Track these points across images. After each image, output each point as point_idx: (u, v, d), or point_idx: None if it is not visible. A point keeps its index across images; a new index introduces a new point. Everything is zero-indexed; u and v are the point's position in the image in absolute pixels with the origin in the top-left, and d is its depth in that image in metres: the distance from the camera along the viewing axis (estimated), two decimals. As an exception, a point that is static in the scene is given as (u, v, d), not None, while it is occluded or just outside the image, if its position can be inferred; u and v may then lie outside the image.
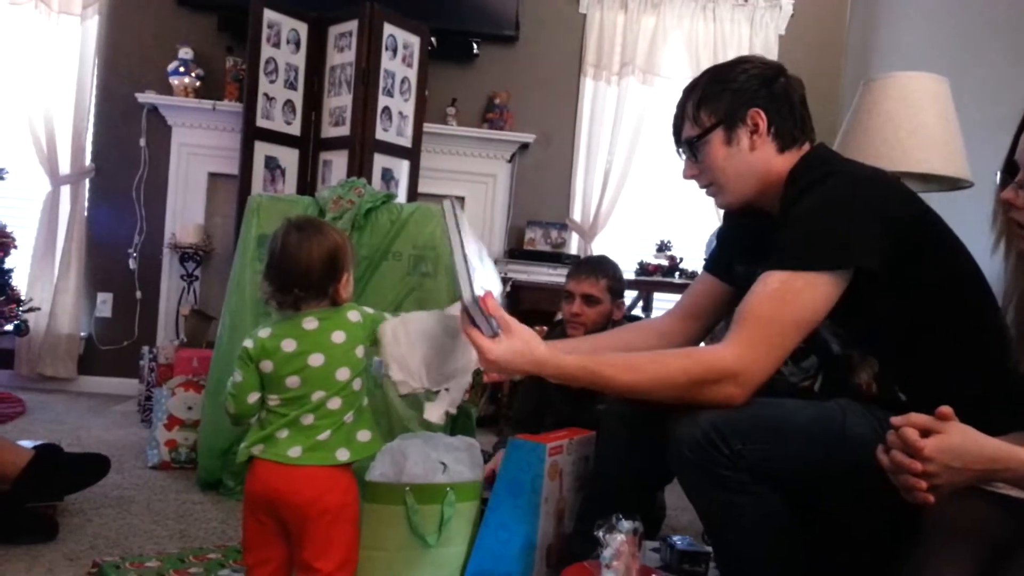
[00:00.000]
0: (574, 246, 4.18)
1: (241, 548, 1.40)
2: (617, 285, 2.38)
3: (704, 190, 1.51)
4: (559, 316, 3.33)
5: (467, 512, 1.69)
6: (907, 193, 1.38)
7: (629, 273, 3.59)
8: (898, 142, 2.20)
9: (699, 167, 1.48)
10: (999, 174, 1.18)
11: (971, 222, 1.39)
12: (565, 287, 2.40)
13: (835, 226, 1.29)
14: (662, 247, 4.09)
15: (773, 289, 1.29)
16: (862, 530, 1.32)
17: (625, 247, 4.18)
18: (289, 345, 1.31)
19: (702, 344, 1.73)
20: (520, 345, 1.25)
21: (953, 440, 1.00)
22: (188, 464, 2.56)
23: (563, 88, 4.19)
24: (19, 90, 3.80)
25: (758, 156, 1.43)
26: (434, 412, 1.32)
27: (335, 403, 1.32)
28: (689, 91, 1.49)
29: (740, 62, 1.47)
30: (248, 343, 1.33)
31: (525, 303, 3.76)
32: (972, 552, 1.09)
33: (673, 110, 1.52)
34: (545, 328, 2.56)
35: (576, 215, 4.20)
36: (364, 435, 1.34)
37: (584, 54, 4.16)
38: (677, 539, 1.74)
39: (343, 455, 1.32)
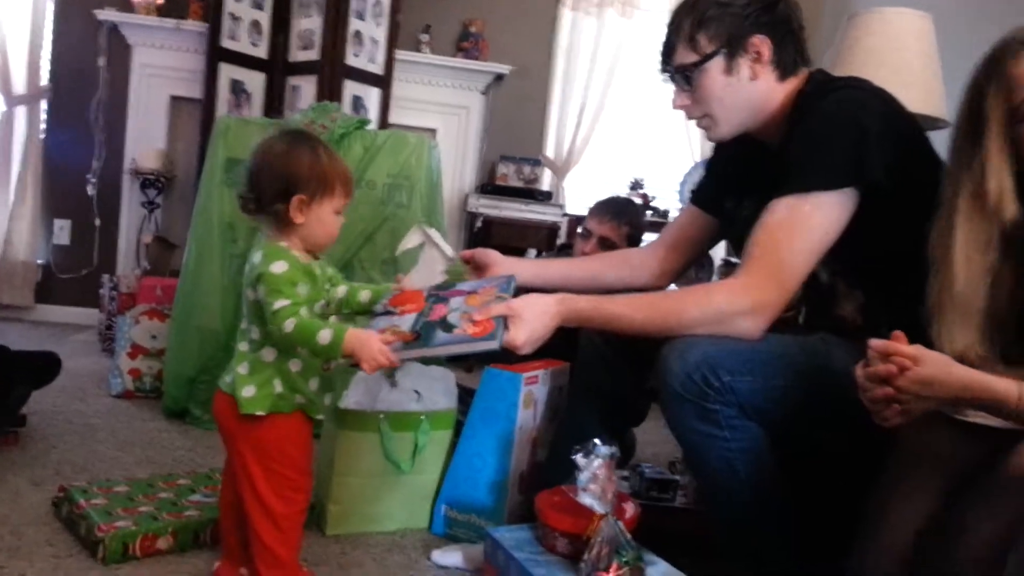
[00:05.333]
0: (546, 182, 4.14)
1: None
2: (636, 233, 2.35)
3: (695, 121, 1.45)
4: (560, 241, 3.32)
5: (441, 440, 1.70)
6: (907, 112, 1.35)
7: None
8: (879, 79, 2.17)
9: (692, 97, 1.40)
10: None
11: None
12: (585, 224, 2.37)
13: (838, 144, 1.26)
14: (635, 185, 4.07)
15: (781, 217, 1.27)
16: (839, 456, 1.34)
17: (598, 185, 4.15)
18: None
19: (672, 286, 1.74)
20: (531, 316, 1.22)
21: (927, 371, 1.03)
22: (152, 393, 2.51)
23: (541, 18, 4.09)
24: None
25: (758, 86, 1.37)
26: None
27: (243, 344, 1.26)
28: (686, 12, 1.38)
29: None
30: None
31: (496, 239, 3.73)
32: (939, 475, 1.13)
33: (664, 31, 1.43)
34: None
35: (549, 151, 4.14)
36: (248, 390, 1.22)
37: (563, -17, 4.05)
38: (646, 467, 1.76)
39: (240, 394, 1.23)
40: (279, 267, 1.19)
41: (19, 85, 3.69)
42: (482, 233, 3.80)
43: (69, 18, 3.76)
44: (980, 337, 1.11)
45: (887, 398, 1.04)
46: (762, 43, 1.35)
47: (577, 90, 4.07)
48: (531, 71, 4.10)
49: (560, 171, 4.11)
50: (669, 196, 4.00)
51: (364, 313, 1.34)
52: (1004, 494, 1.01)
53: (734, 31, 1.35)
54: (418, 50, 3.94)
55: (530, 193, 3.92)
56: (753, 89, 1.37)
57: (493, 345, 1.18)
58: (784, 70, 1.38)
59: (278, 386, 1.24)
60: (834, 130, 1.27)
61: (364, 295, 1.33)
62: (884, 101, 1.32)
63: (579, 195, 4.16)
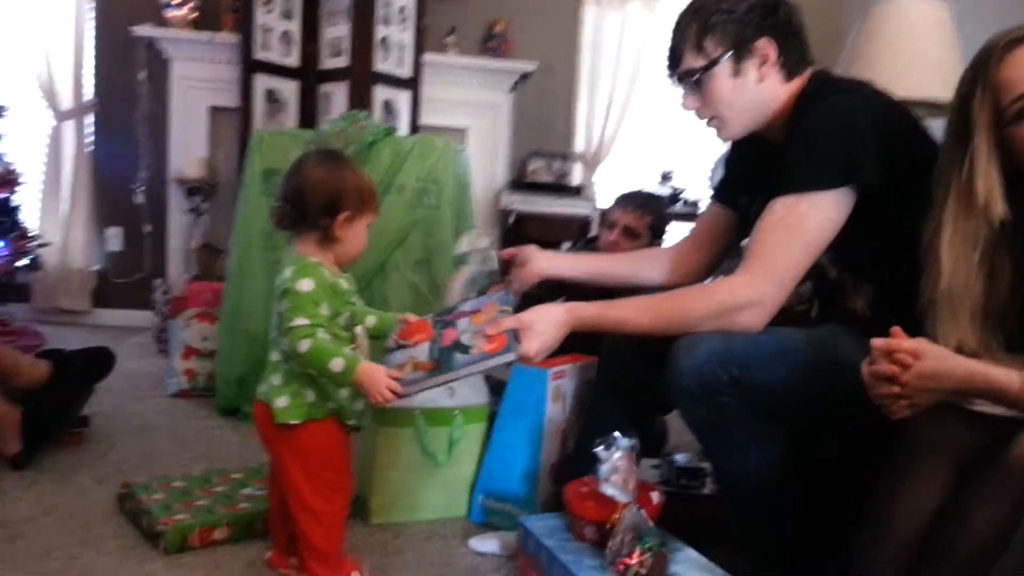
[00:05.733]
0: (577, 176, 4.19)
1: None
2: (660, 224, 2.38)
3: (705, 123, 1.49)
4: (591, 234, 3.36)
5: (475, 434, 1.78)
6: (907, 111, 1.38)
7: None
8: (897, 69, 2.20)
9: (701, 99, 1.44)
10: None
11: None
12: (610, 215, 2.41)
13: (834, 144, 1.29)
14: (665, 177, 4.10)
15: (779, 216, 1.31)
16: (848, 445, 1.39)
17: (628, 177, 4.19)
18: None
19: (710, 279, 1.79)
20: (541, 327, 1.29)
21: (928, 365, 1.06)
22: (207, 392, 2.62)
23: (564, 15, 4.12)
24: (17, 24, 3.76)
25: (765, 88, 1.41)
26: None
27: (275, 355, 1.32)
28: (690, 18, 1.43)
29: None
30: None
31: (529, 234, 3.79)
32: (949, 463, 1.17)
33: (669, 37, 1.48)
34: None
35: (579, 145, 4.19)
36: (282, 401, 1.30)
37: (585, -21, 4.08)
38: (678, 456, 1.82)
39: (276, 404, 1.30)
40: (306, 285, 1.26)
41: (65, 101, 3.84)
42: (515, 229, 3.87)
43: (109, 35, 3.89)
44: (974, 331, 1.15)
45: (893, 395, 1.07)
46: (768, 46, 1.39)
47: (604, 84, 4.10)
48: (557, 67, 4.14)
49: (590, 165, 4.15)
50: (699, 187, 4.02)
51: (373, 338, 1.40)
52: (1006, 482, 1.05)
53: (740, 35, 1.39)
54: (444, 52, 4.00)
55: (561, 188, 3.97)
56: (760, 91, 1.42)
57: (511, 358, 1.26)
58: (789, 71, 1.42)
59: (310, 395, 1.30)
60: (830, 131, 1.30)
61: (370, 320, 1.40)
62: (882, 102, 1.36)
63: (610, 189, 4.21)
